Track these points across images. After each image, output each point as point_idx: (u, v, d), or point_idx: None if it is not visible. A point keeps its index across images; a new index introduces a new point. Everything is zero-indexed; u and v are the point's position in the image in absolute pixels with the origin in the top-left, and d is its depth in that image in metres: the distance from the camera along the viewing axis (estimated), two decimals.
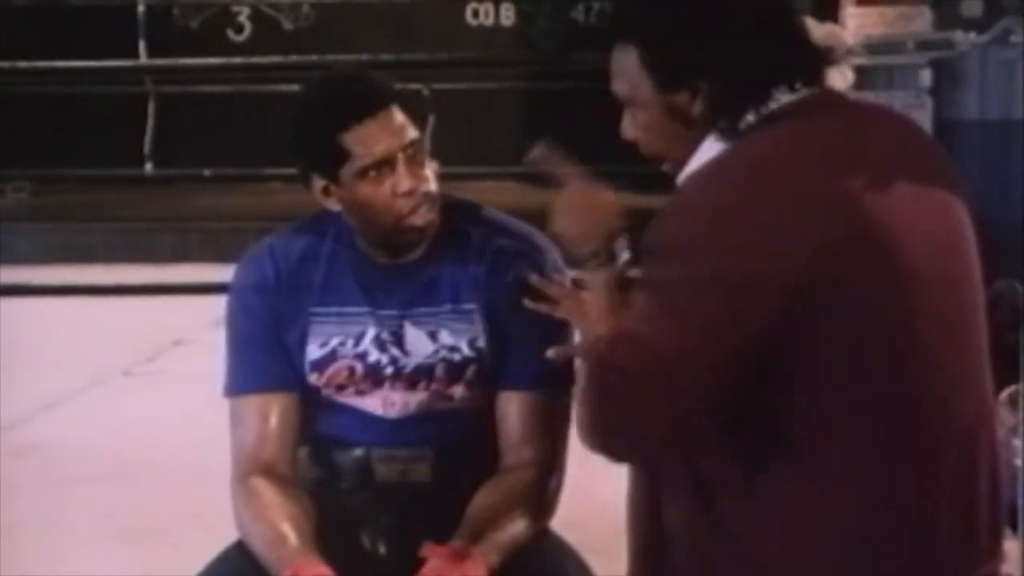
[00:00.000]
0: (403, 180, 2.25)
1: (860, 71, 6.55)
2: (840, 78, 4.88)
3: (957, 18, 7.39)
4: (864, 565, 1.77)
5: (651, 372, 1.72)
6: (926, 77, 7.61)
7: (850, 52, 5.24)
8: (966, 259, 1.88)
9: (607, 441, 1.79)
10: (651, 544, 1.91)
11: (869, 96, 7.74)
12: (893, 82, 7.57)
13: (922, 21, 7.72)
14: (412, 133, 2.27)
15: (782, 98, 1.83)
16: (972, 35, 6.27)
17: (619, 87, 1.91)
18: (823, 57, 1.90)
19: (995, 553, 1.87)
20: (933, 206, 1.84)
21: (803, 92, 1.84)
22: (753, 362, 1.74)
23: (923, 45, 6.75)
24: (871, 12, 7.91)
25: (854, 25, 7.72)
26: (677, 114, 1.87)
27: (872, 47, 6.91)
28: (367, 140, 2.24)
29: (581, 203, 2.06)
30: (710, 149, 1.85)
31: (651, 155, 1.94)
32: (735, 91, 1.83)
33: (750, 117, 1.83)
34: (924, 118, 7.52)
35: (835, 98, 1.92)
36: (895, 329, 1.76)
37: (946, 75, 7.41)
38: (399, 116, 2.26)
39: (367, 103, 2.25)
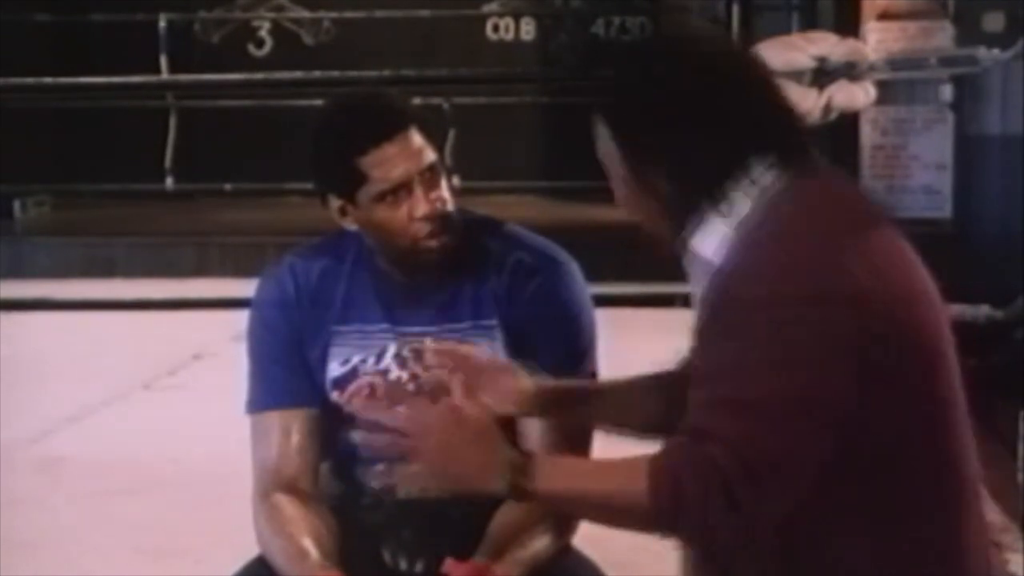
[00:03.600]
0: (420, 204, 2.25)
1: (881, 86, 6.54)
2: (863, 94, 4.88)
3: (979, 33, 7.37)
4: None
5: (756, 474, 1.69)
6: (947, 92, 7.59)
7: (872, 68, 5.24)
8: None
9: (694, 525, 1.73)
10: None
11: (890, 111, 7.74)
12: (914, 97, 7.57)
13: (943, 36, 7.70)
14: (430, 156, 2.27)
15: (762, 178, 1.81)
16: (996, 51, 6.25)
17: (601, 157, 1.91)
18: (801, 130, 1.89)
19: None
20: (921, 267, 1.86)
21: (783, 171, 1.82)
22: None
23: (946, 61, 6.74)
24: (892, 27, 7.90)
25: (875, 40, 7.71)
26: (649, 191, 1.86)
27: (895, 63, 6.90)
28: (384, 164, 2.24)
29: (460, 432, 1.86)
30: (719, 228, 1.84)
31: (643, 229, 1.92)
32: (698, 174, 1.82)
33: (741, 194, 1.81)
34: (945, 133, 7.51)
35: (818, 167, 1.88)
36: (938, 391, 1.79)
37: (968, 90, 7.40)
38: (417, 139, 2.26)
39: (385, 126, 2.25)
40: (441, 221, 2.27)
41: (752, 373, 1.71)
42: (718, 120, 1.82)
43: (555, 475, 1.82)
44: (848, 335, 1.71)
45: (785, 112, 1.88)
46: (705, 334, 1.80)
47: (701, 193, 1.82)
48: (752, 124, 1.83)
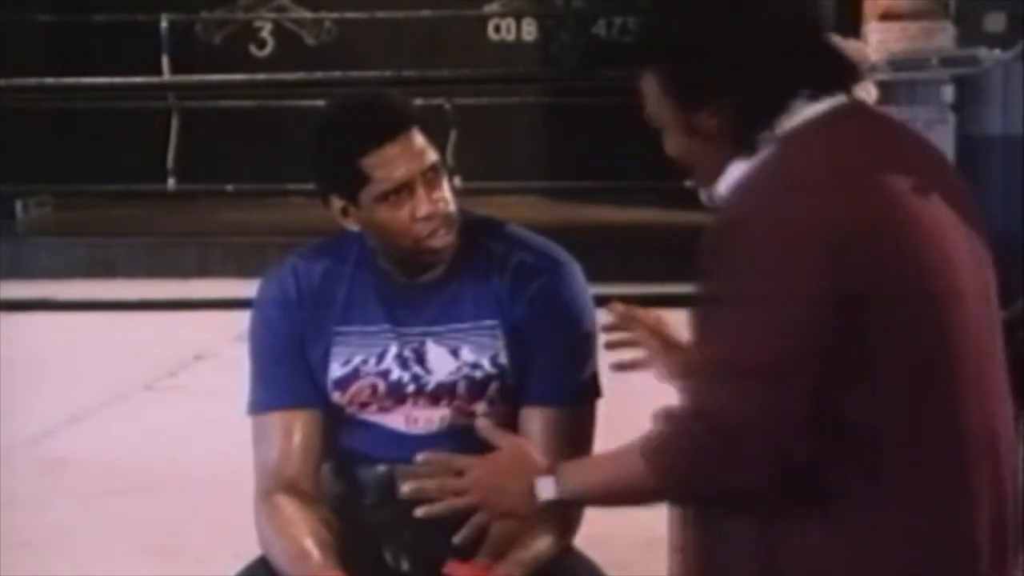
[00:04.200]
0: (422, 204, 2.25)
1: (883, 86, 6.54)
2: (864, 94, 4.88)
3: (980, 33, 7.37)
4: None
5: (747, 413, 1.76)
6: (948, 93, 7.59)
7: (874, 68, 5.24)
8: (990, 274, 1.90)
9: (697, 492, 1.85)
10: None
11: (891, 111, 7.73)
12: (915, 97, 7.56)
13: (945, 36, 7.71)
14: (432, 157, 2.27)
15: (805, 111, 1.84)
16: (997, 52, 6.25)
17: (650, 110, 1.94)
18: (849, 66, 1.90)
19: (1017, 561, 1.89)
20: (963, 218, 1.86)
21: (826, 104, 1.85)
22: (825, 374, 1.76)
23: (947, 61, 6.74)
24: (893, 27, 7.90)
25: (876, 41, 7.71)
26: (698, 132, 1.89)
27: (896, 63, 6.90)
28: (387, 165, 2.24)
29: (508, 467, 2.05)
30: (736, 170, 1.87)
31: (689, 174, 1.96)
32: (750, 108, 1.85)
33: (773, 131, 1.84)
34: (947, 134, 7.51)
35: (860, 109, 1.92)
36: (942, 343, 1.79)
37: (969, 91, 7.40)
38: (419, 140, 2.26)
39: (387, 127, 2.25)
40: (443, 221, 2.27)
41: (728, 336, 1.79)
42: (762, 55, 1.85)
43: (575, 480, 1.97)
44: (822, 284, 1.73)
45: (827, 50, 1.90)
46: (699, 286, 1.85)
47: (751, 128, 1.85)
48: (795, 60, 1.86)
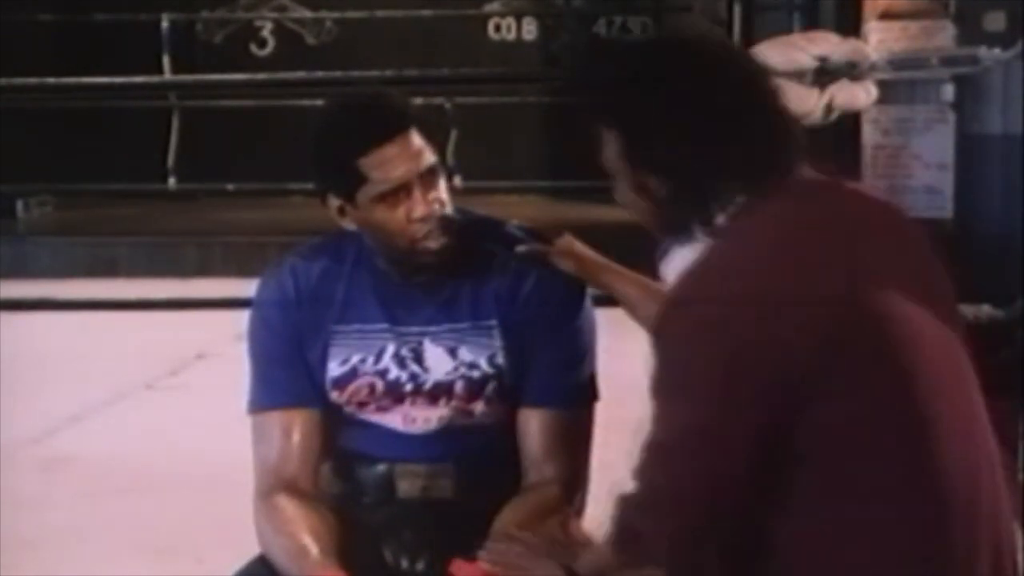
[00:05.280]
0: (418, 206, 2.25)
1: (882, 85, 6.54)
2: (864, 94, 4.87)
3: (980, 32, 7.36)
4: None
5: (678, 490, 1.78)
6: (948, 92, 7.59)
7: (874, 67, 5.24)
8: (958, 340, 1.88)
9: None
10: None
11: (891, 110, 7.74)
12: (915, 96, 7.56)
13: (944, 35, 7.70)
14: (429, 158, 2.27)
15: (749, 196, 1.82)
16: (997, 51, 6.25)
17: (604, 159, 1.92)
18: (800, 147, 1.88)
19: None
20: (924, 289, 1.84)
21: (777, 183, 1.83)
22: (770, 461, 1.75)
23: (947, 61, 6.74)
24: (893, 27, 7.89)
25: (876, 40, 7.70)
26: (649, 196, 1.88)
27: (896, 62, 6.90)
28: (384, 165, 2.24)
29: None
30: (681, 255, 1.86)
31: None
32: (700, 186, 1.83)
33: (720, 215, 1.83)
34: (947, 133, 7.51)
35: (812, 184, 1.89)
36: (905, 403, 1.77)
37: (969, 90, 7.39)
38: (417, 141, 2.26)
39: (386, 127, 2.25)
40: (439, 223, 2.27)
41: (660, 412, 1.79)
42: (713, 127, 1.83)
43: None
44: (752, 357, 1.72)
45: (782, 124, 1.88)
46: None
47: (690, 202, 1.84)
48: (747, 136, 1.83)
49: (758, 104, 1.87)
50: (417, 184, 2.25)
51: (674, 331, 1.79)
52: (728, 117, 1.84)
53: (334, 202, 2.31)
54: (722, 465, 1.75)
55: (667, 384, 1.79)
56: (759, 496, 1.77)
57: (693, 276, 1.82)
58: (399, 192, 2.25)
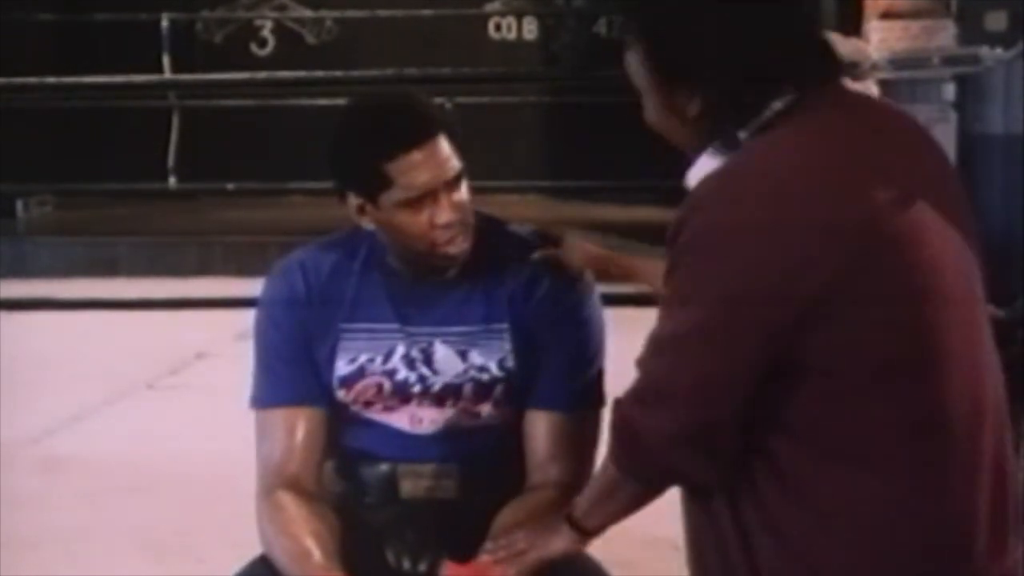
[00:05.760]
0: (443, 212, 2.23)
1: (884, 85, 6.54)
2: (865, 93, 4.88)
3: (981, 32, 7.37)
4: (899, 552, 1.78)
5: (679, 408, 1.78)
6: (950, 91, 7.59)
7: (875, 67, 5.24)
8: (975, 271, 1.88)
9: (644, 478, 1.92)
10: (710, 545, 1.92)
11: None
12: (917, 96, 7.55)
13: (946, 35, 7.71)
14: (456, 165, 2.24)
15: (784, 105, 1.81)
16: (998, 50, 6.25)
17: (631, 76, 1.92)
18: (835, 57, 1.88)
19: (1018, 543, 1.88)
20: (949, 215, 1.83)
21: (805, 95, 1.82)
22: (775, 372, 1.75)
23: (949, 60, 6.74)
24: (895, 26, 7.90)
25: (877, 39, 7.71)
26: (676, 113, 1.87)
27: (897, 62, 6.90)
28: (411, 171, 2.20)
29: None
30: (706, 164, 1.85)
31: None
32: (729, 97, 1.83)
33: (752, 127, 1.82)
34: (948, 132, 7.50)
35: (848, 101, 1.89)
36: (916, 334, 1.77)
37: (970, 89, 7.39)
38: (445, 147, 2.23)
39: (415, 133, 2.21)
40: (461, 229, 2.25)
41: (668, 310, 1.81)
42: (747, 43, 1.82)
43: (589, 513, 2.07)
44: (766, 264, 1.72)
45: (816, 42, 1.88)
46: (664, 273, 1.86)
47: (728, 120, 1.83)
48: (782, 52, 1.83)
49: (790, 9, 1.87)
50: (442, 190, 2.23)
51: (690, 230, 1.78)
52: (758, 22, 1.83)
53: (354, 201, 2.27)
54: (721, 363, 1.76)
55: (678, 280, 1.79)
56: (760, 409, 1.77)
57: (715, 179, 1.81)
58: (424, 198, 2.22)
